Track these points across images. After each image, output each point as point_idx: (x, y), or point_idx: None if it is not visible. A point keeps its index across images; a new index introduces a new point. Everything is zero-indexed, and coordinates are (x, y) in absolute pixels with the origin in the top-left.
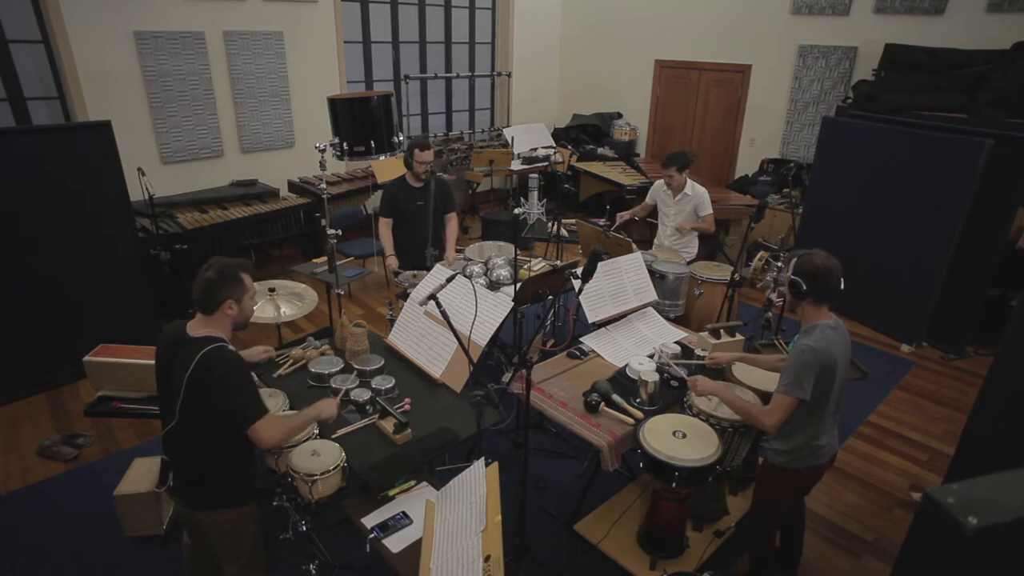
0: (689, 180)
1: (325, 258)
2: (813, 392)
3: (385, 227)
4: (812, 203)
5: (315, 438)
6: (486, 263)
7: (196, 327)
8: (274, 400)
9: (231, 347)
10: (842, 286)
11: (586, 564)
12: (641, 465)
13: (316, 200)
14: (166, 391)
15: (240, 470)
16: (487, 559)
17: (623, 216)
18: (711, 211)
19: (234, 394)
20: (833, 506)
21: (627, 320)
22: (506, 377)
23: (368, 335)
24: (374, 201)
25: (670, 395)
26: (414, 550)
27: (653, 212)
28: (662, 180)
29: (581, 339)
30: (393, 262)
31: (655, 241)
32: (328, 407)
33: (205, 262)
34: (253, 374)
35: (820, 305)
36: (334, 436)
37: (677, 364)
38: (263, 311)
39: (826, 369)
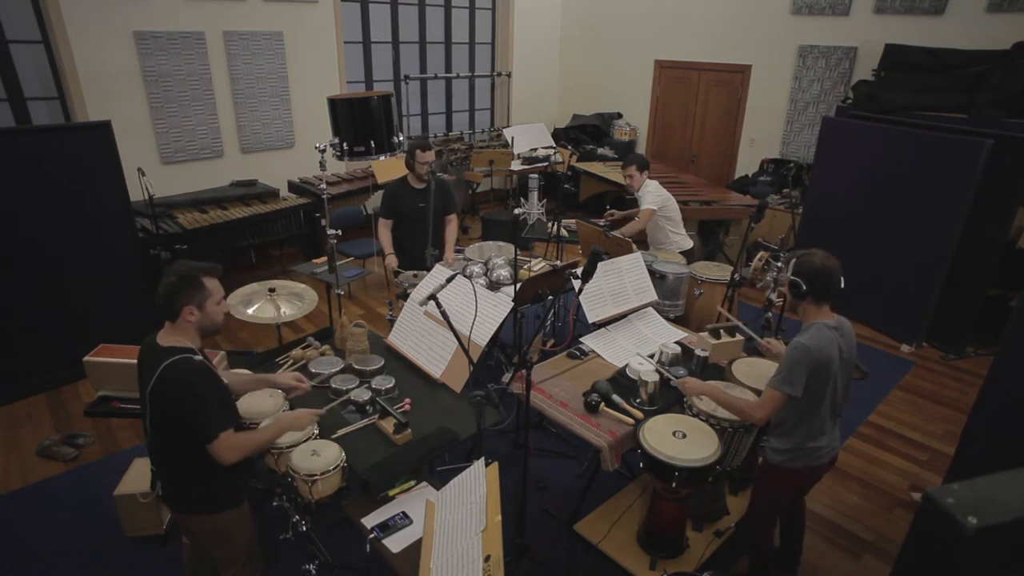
0: (647, 180)
1: (325, 258)
2: (805, 389)
3: (384, 228)
4: (812, 203)
5: (315, 438)
6: (486, 263)
7: (165, 335)
8: (274, 400)
9: (197, 357)
10: (842, 285)
11: (586, 564)
12: (641, 465)
13: (316, 200)
14: (142, 404)
15: (224, 475)
16: (487, 559)
17: (615, 214)
18: (647, 206)
19: (190, 411)
20: (833, 506)
21: (627, 320)
22: (506, 377)
23: (368, 335)
24: (374, 201)
25: (670, 395)
26: (414, 550)
27: None
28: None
29: (581, 339)
30: (392, 261)
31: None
32: (298, 421)
33: (205, 262)
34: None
35: (821, 305)
36: (334, 436)
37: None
38: (263, 311)
39: (819, 367)
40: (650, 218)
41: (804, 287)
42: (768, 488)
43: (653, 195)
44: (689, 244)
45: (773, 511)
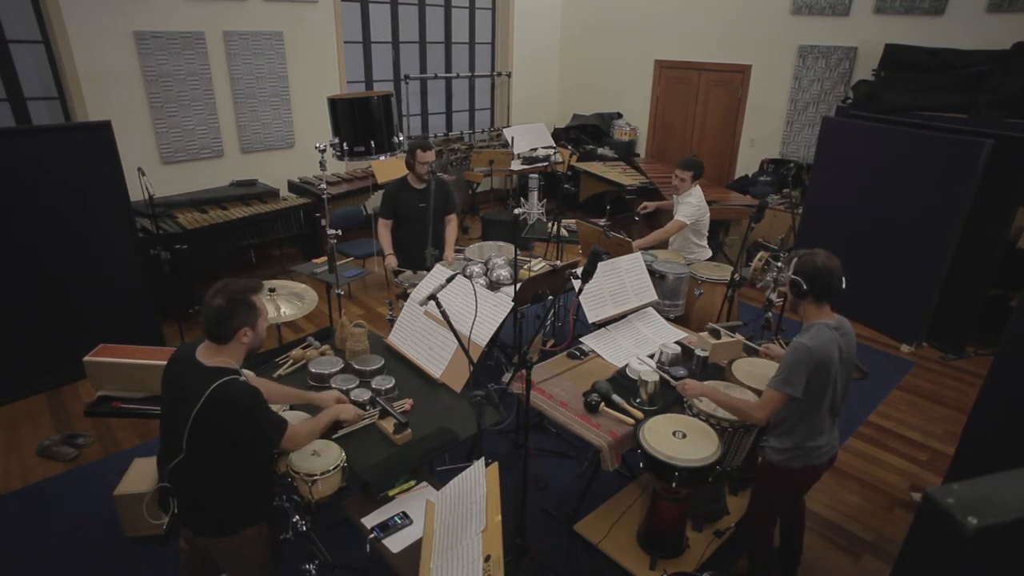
0: (693, 189)
1: (325, 258)
2: (806, 389)
3: (384, 228)
4: (812, 203)
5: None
6: (486, 263)
7: (207, 354)
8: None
9: (242, 378)
10: (843, 285)
11: (586, 564)
12: (641, 465)
13: (316, 200)
14: (172, 422)
15: (255, 491)
16: (487, 559)
17: (648, 206)
18: (680, 218)
19: (257, 426)
20: (833, 506)
21: (627, 320)
22: (506, 377)
23: (368, 335)
24: (374, 201)
25: (670, 395)
26: (414, 550)
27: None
28: None
29: (581, 339)
30: (392, 261)
31: (670, 245)
32: (346, 411)
33: (206, 263)
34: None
35: (821, 304)
36: (334, 436)
37: (663, 372)
38: None
39: (820, 367)
40: (678, 231)
41: (805, 286)
42: (768, 488)
43: (692, 208)
44: (708, 255)
45: (773, 511)
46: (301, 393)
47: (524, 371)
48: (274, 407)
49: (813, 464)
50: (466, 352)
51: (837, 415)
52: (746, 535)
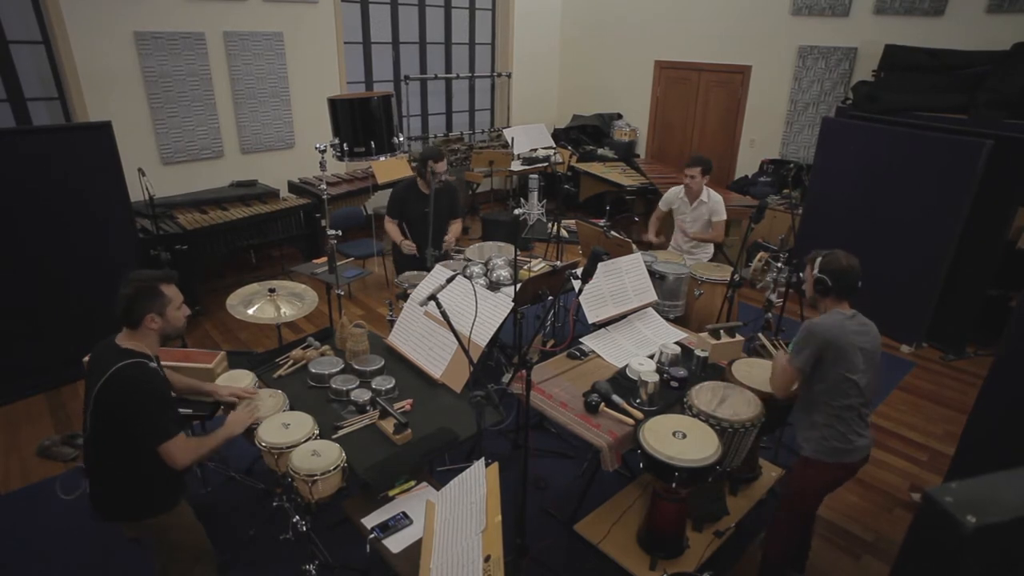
0: (706, 187)
1: (325, 258)
2: (817, 368)
3: (391, 223)
4: (812, 204)
5: (315, 438)
6: (486, 264)
7: (123, 338)
8: (274, 400)
9: (152, 364)
10: (860, 283)
11: (586, 564)
12: (641, 465)
13: (316, 200)
14: (86, 399)
15: (154, 479)
16: (487, 559)
17: (647, 237)
18: (723, 218)
19: (141, 416)
20: (833, 506)
21: (627, 320)
22: (506, 377)
23: (368, 335)
24: (374, 202)
25: (670, 395)
26: (414, 550)
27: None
28: (676, 188)
29: (581, 339)
30: (410, 245)
31: (671, 244)
32: (237, 423)
33: (206, 263)
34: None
35: (841, 301)
36: (334, 436)
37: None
38: (263, 312)
39: (828, 345)
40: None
41: (830, 284)
42: (801, 485)
43: (722, 204)
44: (710, 254)
45: (802, 512)
46: (198, 385)
47: (524, 371)
48: (268, 404)
49: (844, 462)
50: (466, 352)
51: (867, 408)
52: (771, 530)
